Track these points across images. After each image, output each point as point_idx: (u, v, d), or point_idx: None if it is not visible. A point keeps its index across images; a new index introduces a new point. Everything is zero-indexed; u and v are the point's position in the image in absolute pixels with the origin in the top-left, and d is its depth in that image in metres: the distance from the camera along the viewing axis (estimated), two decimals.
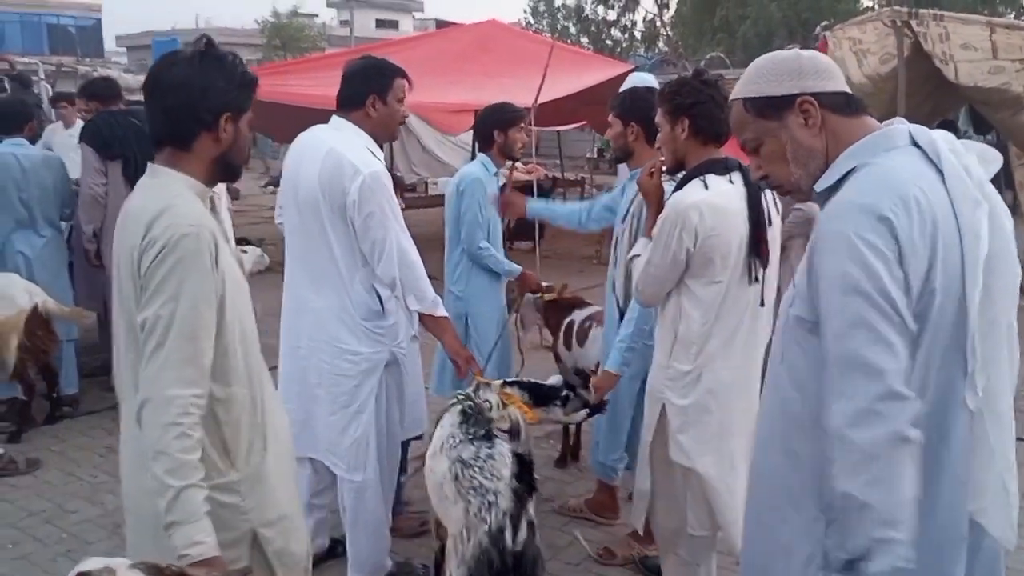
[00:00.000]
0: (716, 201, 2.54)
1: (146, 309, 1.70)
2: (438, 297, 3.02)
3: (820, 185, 1.61)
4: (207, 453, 1.78)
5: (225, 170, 1.92)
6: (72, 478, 4.19)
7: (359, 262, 2.91)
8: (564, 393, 3.07)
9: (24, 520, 3.75)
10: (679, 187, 2.64)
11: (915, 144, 1.54)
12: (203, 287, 1.73)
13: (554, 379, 3.18)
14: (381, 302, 2.97)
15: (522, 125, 4.15)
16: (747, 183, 2.60)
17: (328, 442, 3.02)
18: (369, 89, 2.94)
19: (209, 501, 1.75)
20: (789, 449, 1.61)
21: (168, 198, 1.76)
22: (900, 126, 1.58)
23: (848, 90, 1.64)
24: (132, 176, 4.76)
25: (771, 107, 1.64)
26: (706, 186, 2.56)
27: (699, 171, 2.61)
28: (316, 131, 3.03)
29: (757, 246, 2.60)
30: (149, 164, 1.88)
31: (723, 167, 2.62)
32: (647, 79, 5.39)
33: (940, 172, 1.49)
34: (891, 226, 1.40)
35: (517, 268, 4.17)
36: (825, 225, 1.49)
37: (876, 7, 25.29)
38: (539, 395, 3.03)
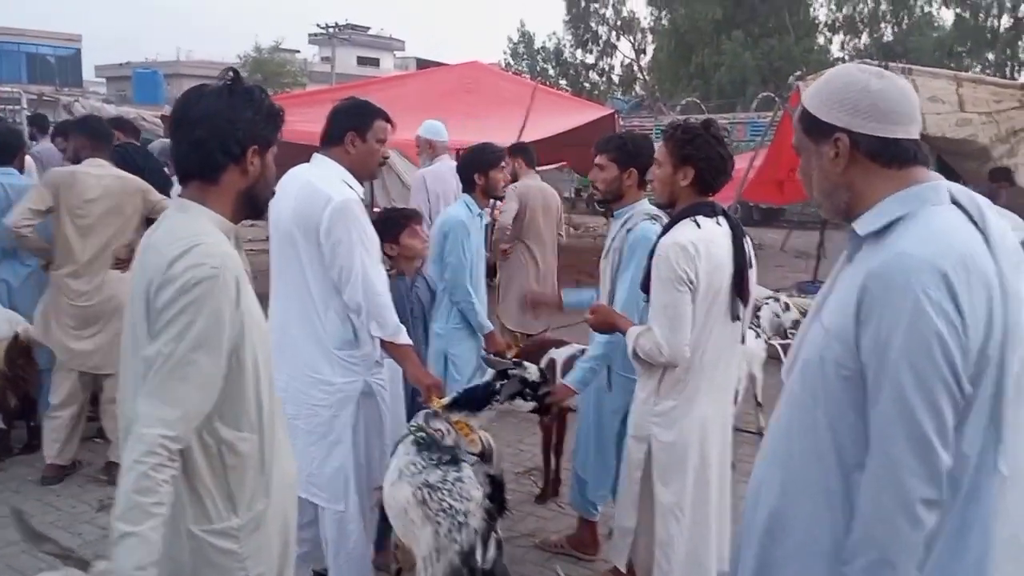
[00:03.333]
0: (709, 239, 2.65)
1: (151, 345, 1.68)
2: (401, 325, 3.05)
3: (864, 228, 1.56)
4: (211, 496, 1.77)
5: (251, 204, 1.90)
6: (50, 508, 4.15)
7: (333, 291, 2.94)
8: (498, 386, 3.00)
9: (2, 550, 3.70)
10: (669, 227, 2.74)
11: (955, 202, 1.53)
12: (210, 333, 1.69)
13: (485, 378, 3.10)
14: (355, 331, 3.00)
15: (503, 165, 4.24)
16: (732, 226, 2.72)
17: (308, 473, 3.01)
18: (349, 127, 3.01)
19: (206, 546, 1.75)
20: (837, 503, 1.54)
21: (194, 235, 1.74)
22: (941, 182, 1.56)
23: (906, 137, 1.56)
24: None
25: (813, 128, 1.62)
26: (698, 225, 2.66)
27: (689, 212, 2.72)
28: (297, 169, 3.08)
29: (740, 285, 2.70)
30: (175, 197, 1.87)
31: (711, 210, 2.73)
32: (438, 130, 6.10)
33: (982, 233, 1.48)
34: (950, 284, 1.39)
35: (488, 326, 4.21)
36: (885, 276, 1.44)
37: (846, 59, 26.02)
38: (476, 401, 2.97)
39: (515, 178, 6.12)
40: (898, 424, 1.41)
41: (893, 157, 1.55)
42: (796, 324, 6.63)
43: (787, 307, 6.63)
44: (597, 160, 3.43)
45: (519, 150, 6.51)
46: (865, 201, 1.57)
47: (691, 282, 2.60)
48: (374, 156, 3.07)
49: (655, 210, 3.30)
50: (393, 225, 3.73)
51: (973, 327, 1.40)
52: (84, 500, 4.21)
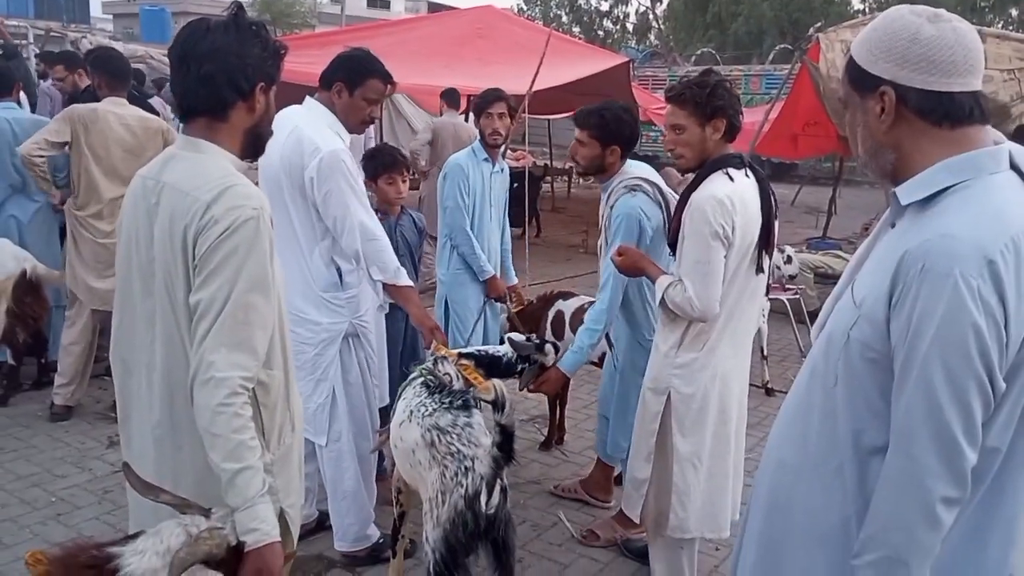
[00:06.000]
0: (742, 192, 2.61)
1: (201, 290, 1.67)
2: (401, 267, 3.09)
3: (907, 197, 1.43)
4: None
5: (255, 142, 1.86)
6: (60, 443, 4.20)
7: (318, 236, 2.97)
8: (520, 368, 3.16)
9: (12, 484, 3.76)
10: (699, 179, 2.69)
11: (1013, 167, 1.40)
12: (259, 273, 1.70)
13: (504, 348, 3.21)
14: (340, 275, 3.03)
15: (490, 111, 4.19)
16: (758, 178, 2.69)
17: None
18: (340, 76, 2.98)
19: None
20: (850, 487, 1.47)
21: (226, 176, 1.72)
22: (1003, 145, 1.42)
23: (962, 89, 1.40)
24: None
25: (859, 81, 1.48)
26: (731, 178, 2.61)
27: (719, 164, 2.66)
28: (288, 110, 3.05)
29: (767, 238, 2.67)
30: (182, 136, 1.82)
31: (739, 161, 2.68)
32: None
33: None
34: (996, 272, 1.27)
35: (488, 271, 4.17)
36: (924, 258, 1.31)
37: (867, 11, 25.46)
38: (495, 368, 3.09)
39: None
40: (924, 422, 1.31)
41: (945, 114, 1.40)
42: (794, 278, 6.63)
43: (789, 259, 6.60)
44: (577, 135, 3.33)
45: (445, 94, 7.96)
46: (913, 165, 1.44)
47: (727, 237, 2.56)
48: (357, 112, 3.02)
49: (633, 180, 3.24)
50: (375, 167, 3.71)
51: (1016, 319, 1.28)
52: (94, 437, 4.26)
